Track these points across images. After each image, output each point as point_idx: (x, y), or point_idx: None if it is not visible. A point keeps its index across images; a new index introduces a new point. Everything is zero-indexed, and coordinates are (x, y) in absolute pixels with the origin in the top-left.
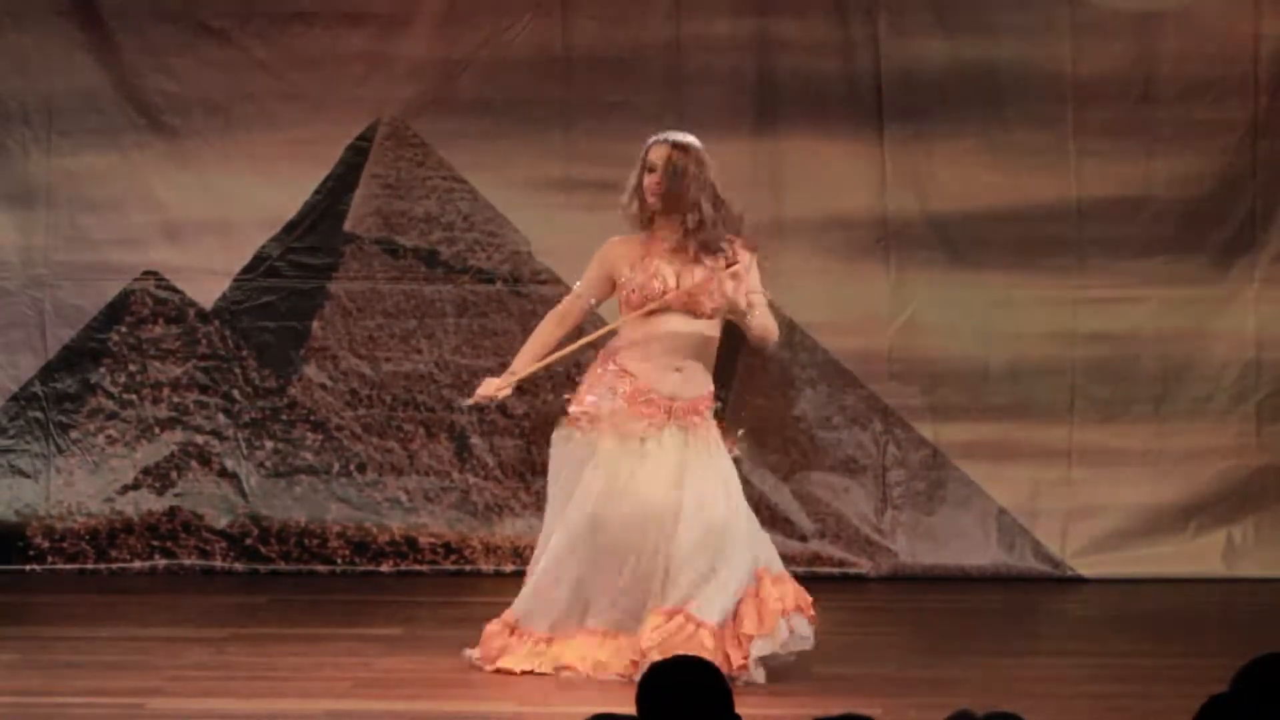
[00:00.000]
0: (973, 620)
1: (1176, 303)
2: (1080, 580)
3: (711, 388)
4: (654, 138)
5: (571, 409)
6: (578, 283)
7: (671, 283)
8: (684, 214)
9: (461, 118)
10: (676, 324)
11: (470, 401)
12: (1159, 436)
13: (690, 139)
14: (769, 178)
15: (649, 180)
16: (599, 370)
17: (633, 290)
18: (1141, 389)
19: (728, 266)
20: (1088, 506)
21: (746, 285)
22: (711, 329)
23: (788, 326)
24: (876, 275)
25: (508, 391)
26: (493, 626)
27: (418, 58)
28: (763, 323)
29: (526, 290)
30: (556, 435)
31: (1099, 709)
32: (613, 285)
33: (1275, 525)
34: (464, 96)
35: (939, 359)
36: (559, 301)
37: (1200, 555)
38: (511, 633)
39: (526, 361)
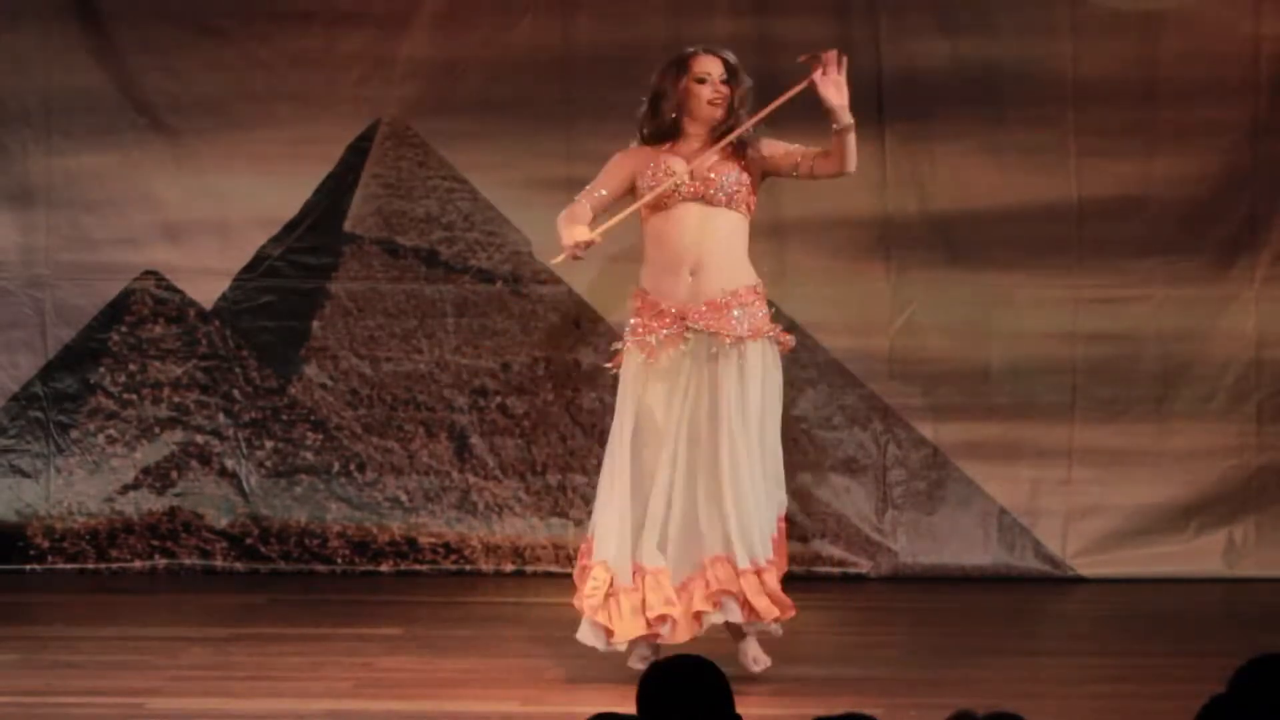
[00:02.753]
0: (973, 620)
1: (1177, 302)
2: (1081, 580)
3: (746, 280)
4: (690, 49)
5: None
6: (582, 193)
7: (683, 173)
8: (727, 119)
9: (462, 118)
10: (691, 220)
11: (560, 259)
12: (1160, 436)
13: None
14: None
15: (702, 90)
16: (633, 297)
17: (646, 189)
18: (1142, 389)
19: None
20: (1088, 506)
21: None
22: (734, 221)
23: (787, 326)
24: (877, 275)
25: (596, 239)
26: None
27: (418, 58)
28: (853, 144)
29: (527, 290)
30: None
31: (1099, 709)
32: (631, 186)
33: (1276, 525)
34: (464, 96)
35: (939, 359)
36: (559, 301)
37: (1201, 555)
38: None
39: (587, 225)
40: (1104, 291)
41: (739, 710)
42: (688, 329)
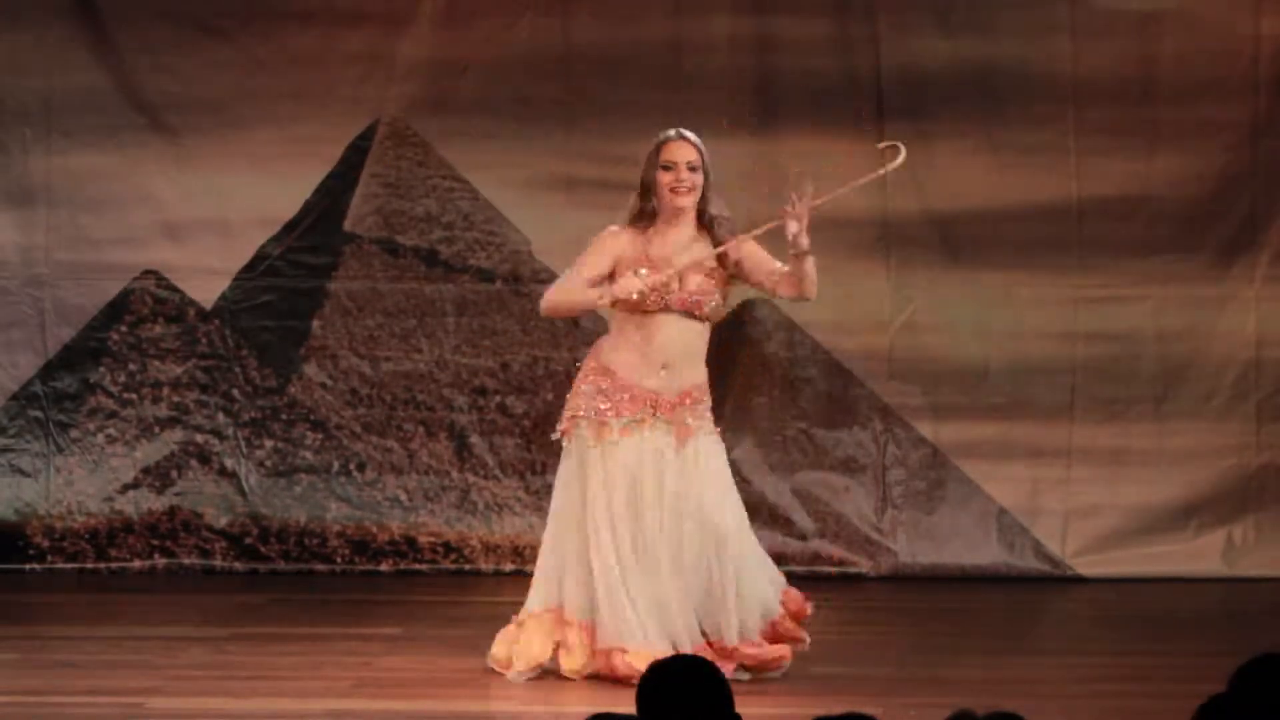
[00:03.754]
0: (973, 620)
1: (1177, 302)
2: (1080, 580)
3: (702, 377)
4: (663, 135)
5: (560, 423)
6: (574, 271)
7: (675, 285)
8: (702, 209)
9: (462, 117)
10: (671, 326)
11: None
12: (1159, 436)
13: (690, 132)
14: (769, 177)
15: (668, 178)
16: (583, 373)
17: (632, 294)
18: (1142, 388)
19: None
20: (1088, 506)
21: (804, 230)
22: (704, 332)
23: (787, 326)
24: (877, 275)
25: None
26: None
27: (418, 57)
28: (812, 272)
29: (526, 289)
30: (564, 451)
31: (1099, 708)
32: (613, 272)
33: (1276, 524)
34: (464, 96)
35: (939, 358)
36: None
37: (1200, 554)
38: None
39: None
40: (1104, 291)
41: (738, 710)
42: (655, 415)
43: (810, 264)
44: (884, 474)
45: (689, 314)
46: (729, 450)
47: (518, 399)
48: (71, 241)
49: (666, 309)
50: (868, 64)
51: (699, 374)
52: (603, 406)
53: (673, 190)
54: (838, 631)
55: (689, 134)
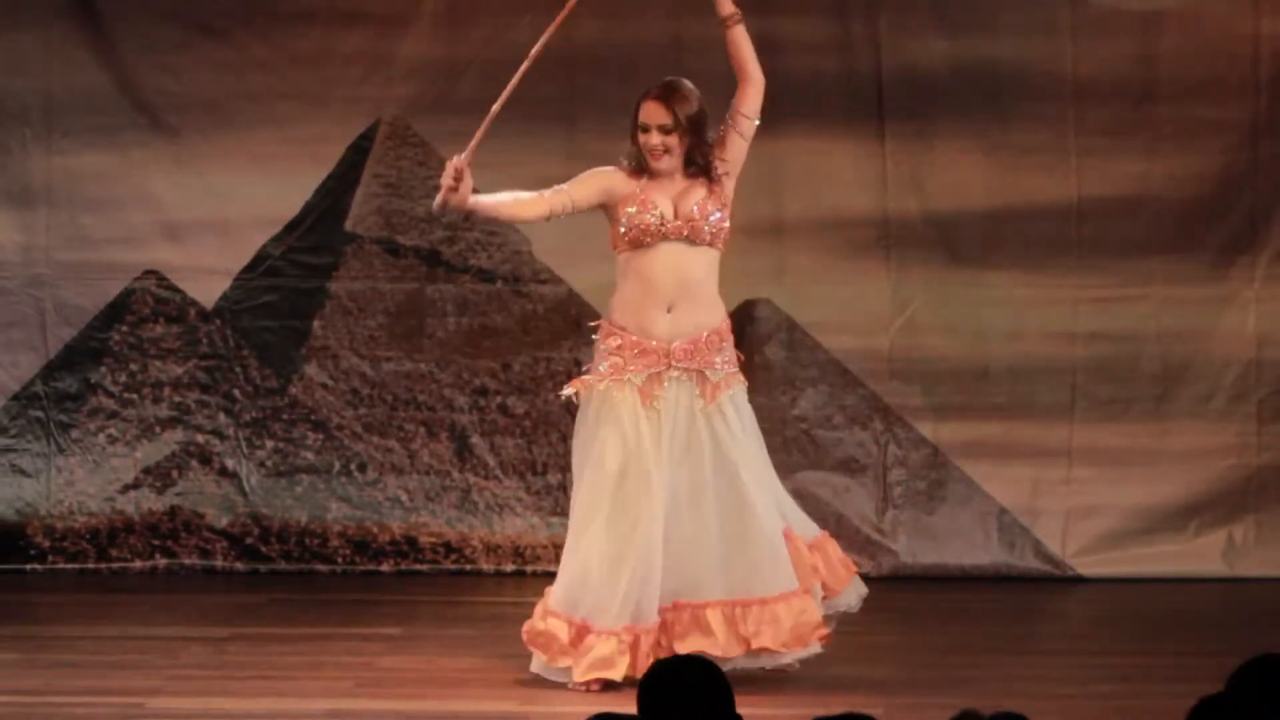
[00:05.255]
0: (973, 620)
1: (1177, 302)
2: (1081, 580)
3: (719, 318)
4: (646, 90)
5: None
6: (555, 192)
7: (669, 213)
8: (689, 157)
9: (462, 117)
10: (669, 257)
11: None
12: (1159, 436)
13: (678, 82)
14: (769, 177)
15: (643, 140)
16: (600, 334)
17: (629, 227)
18: (1142, 388)
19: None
20: (1088, 506)
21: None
22: (711, 264)
23: (788, 326)
24: (877, 275)
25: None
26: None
27: (419, 57)
28: (748, 45)
29: (527, 290)
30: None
31: (1099, 709)
32: (601, 206)
33: (1276, 525)
34: (465, 96)
35: (939, 358)
36: (559, 300)
37: (1201, 555)
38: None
39: (494, 199)
40: (1104, 291)
41: (739, 710)
42: (672, 367)
43: (742, 32)
44: (884, 474)
45: (689, 240)
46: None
47: (519, 399)
48: (72, 241)
49: (664, 238)
50: (868, 64)
51: (712, 314)
52: (618, 362)
53: (650, 153)
54: (838, 631)
55: (674, 87)
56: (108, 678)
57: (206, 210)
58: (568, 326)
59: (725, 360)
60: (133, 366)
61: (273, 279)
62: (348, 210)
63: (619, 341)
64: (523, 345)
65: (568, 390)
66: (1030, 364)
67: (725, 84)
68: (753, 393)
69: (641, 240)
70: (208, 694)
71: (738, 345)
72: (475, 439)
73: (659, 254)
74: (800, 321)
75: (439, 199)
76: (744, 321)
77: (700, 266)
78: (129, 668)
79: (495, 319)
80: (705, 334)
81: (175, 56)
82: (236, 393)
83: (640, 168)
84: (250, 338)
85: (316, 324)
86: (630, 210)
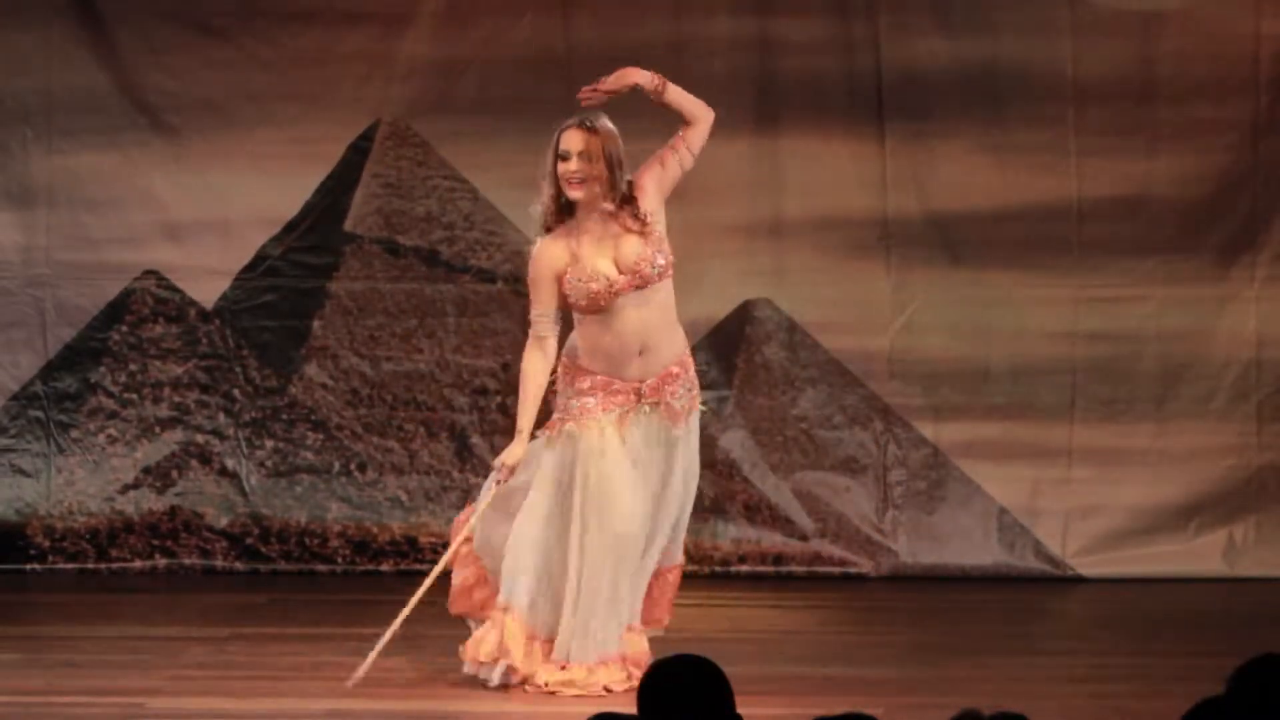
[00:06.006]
0: (973, 620)
1: (1177, 302)
2: (1081, 580)
3: (681, 345)
4: (563, 123)
5: (542, 430)
6: (533, 308)
7: (613, 274)
8: (606, 195)
9: (462, 117)
10: (632, 309)
11: (500, 479)
12: (1160, 436)
13: (597, 117)
14: (769, 178)
15: (562, 167)
16: (562, 373)
17: (579, 299)
18: (1142, 388)
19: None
20: (1088, 506)
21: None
22: (665, 292)
23: (788, 326)
24: (877, 275)
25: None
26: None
27: (419, 57)
28: (683, 96)
29: (527, 290)
30: (533, 446)
31: (1099, 709)
32: (560, 286)
33: (1276, 524)
34: (465, 96)
35: (939, 358)
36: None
37: (1201, 555)
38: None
39: (531, 414)
40: (1104, 291)
41: (739, 710)
42: (641, 402)
43: (674, 90)
44: (885, 474)
45: (639, 288)
46: (730, 449)
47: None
48: (72, 241)
49: (617, 294)
50: (868, 65)
51: (677, 343)
52: (590, 403)
53: (566, 181)
54: (838, 631)
55: (594, 119)
56: (108, 678)
57: (206, 210)
58: (567, 327)
59: (688, 388)
60: (132, 366)
61: (272, 279)
62: (347, 210)
63: (589, 383)
64: (523, 345)
65: (540, 437)
66: (1030, 364)
67: (726, 85)
68: (752, 393)
69: (595, 305)
70: (208, 694)
71: (737, 346)
72: (475, 439)
73: (619, 310)
74: (800, 321)
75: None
76: (744, 321)
77: (658, 304)
78: (129, 668)
79: (495, 319)
80: (672, 368)
81: (175, 56)
82: (236, 393)
83: (558, 215)
84: (250, 338)
85: (316, 324)
86: (575, 281)
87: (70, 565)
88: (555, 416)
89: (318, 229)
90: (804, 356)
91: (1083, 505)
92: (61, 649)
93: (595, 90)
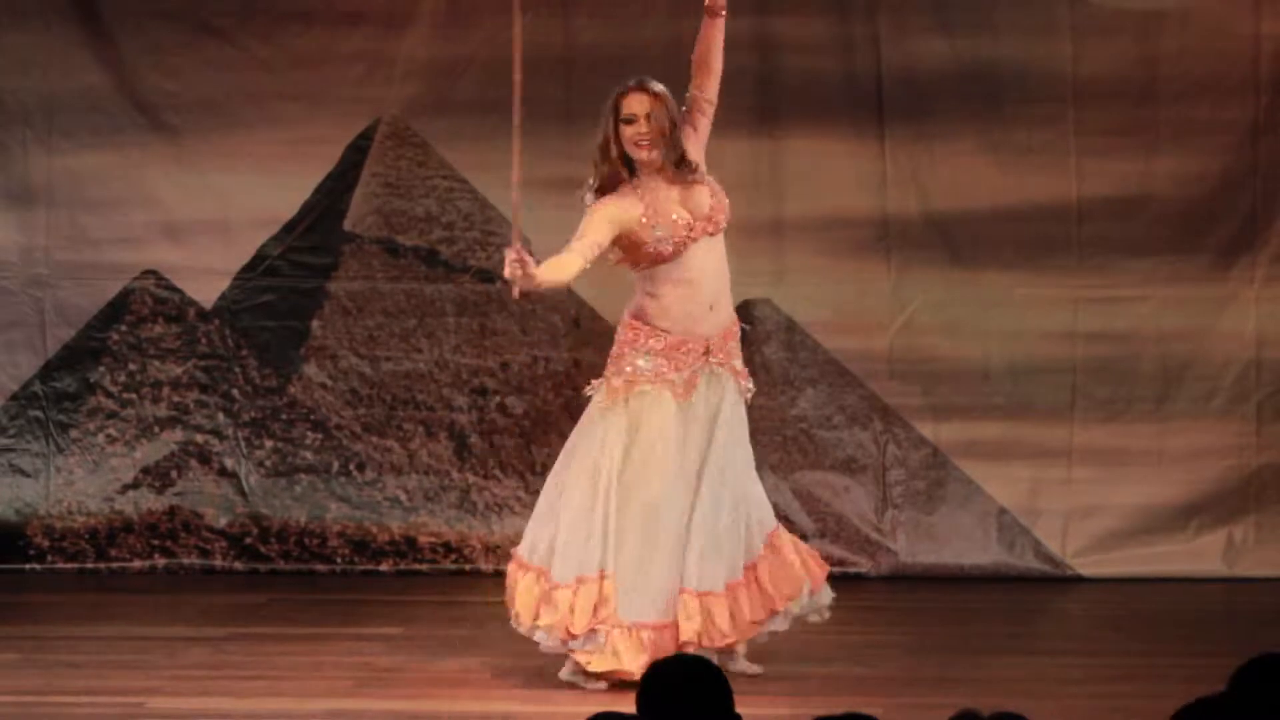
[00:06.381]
0: (973, 620)
1: (1177, 302)
2: (1081, 580)
3: (731, 303)
4: (620, 87)
5: (610, 379)
6: (575, 239)
7: (688, 216)
8: (670, 154)
9: (462, 117)
10: (702, 258)
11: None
12: (1159, 436)
13: (650, 80)
14: (769, 177)
15: (630, 131)
16: (629, 335)
17: (660, 244)
18: (1142, 388)
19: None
20: (1088, 506)
21: None
22: (723, 244)
23: (788, 326)
24: (877, 275)
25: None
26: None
27: (418, 57)
28: (720, 39)
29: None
30: (595, 404)
31: (1099, 709)
32: (617, 233)
33: (1276, 525)
34: (464, 96)
35: (939, 358)
36: (558, 301)
37: (1201, 555)
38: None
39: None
40: (1104, 291)
41: (739, 710)
42: (709, 362)
43: (721, 24)
44: (884, 474)
45: (711, 235)
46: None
47: (518, 399)
48: (72, 242)
49: (695, 238)
50: (868, 64)
51: (731, 303)
52: (663, 365)
53: (635, 144)
54: (838, 631)
55: (649, 80)
56: (107, 677)
57: (206, 210)
58: (567, 326)
59: (738, 347)
60: (132, 366)
61: (272, 279)
62: (347, 210)
63: (661, 343)
64: (521, 345)
65: (596, 393)
66: (1030, 364)
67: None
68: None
69: (678, 250)
70: (207, 694)
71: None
72: (474, 439)
73: (693, 257)
74: (800, 321)
75: (515, 290)
76: (744, 321)
77: (721, 254)
78: (128, 667)
79: (494, 319)
80: (732, 326)
81: (175, 57)
82: (235, 393)
83: (616, 176)
84: (249, 338)
85: (315, 324)
86: (653, 229)
87: (70, 565)
88: (620, 380)
89: (317, 229)
90: (803, 356)
91: (1082, 505)
92: (61, 649)
93: None
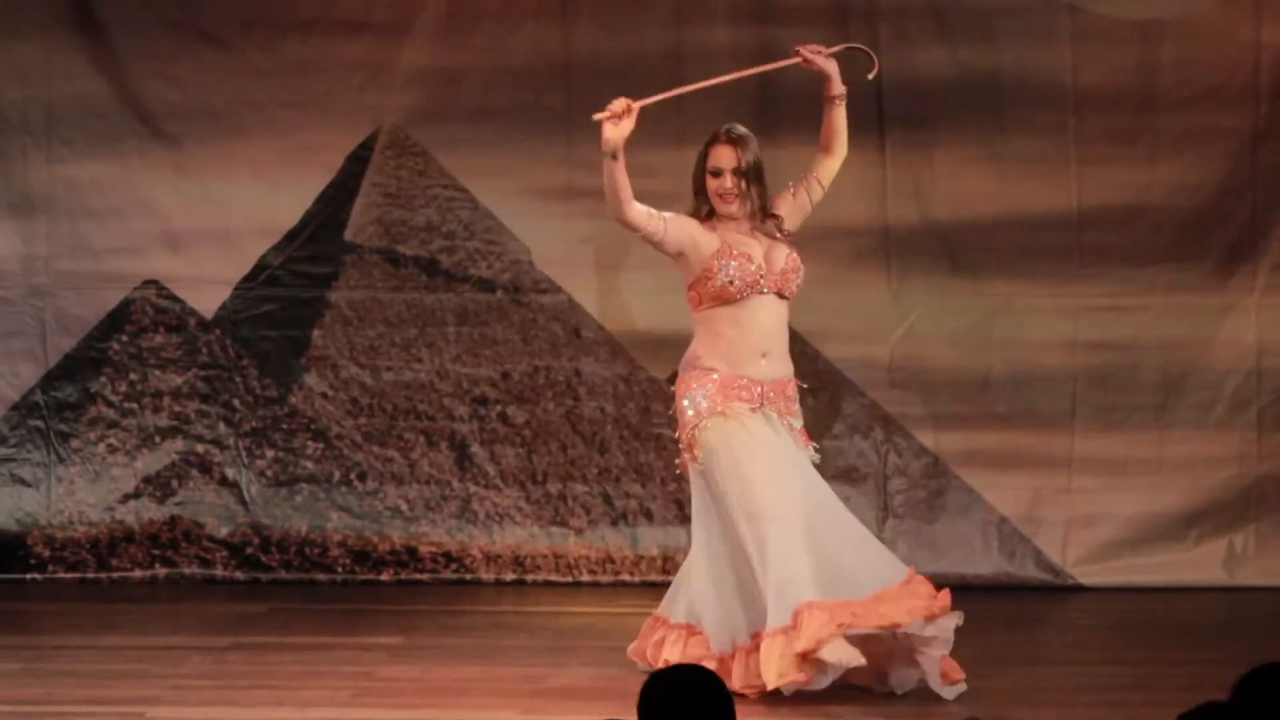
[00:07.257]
0: (973, 629)
1: (1177, 311)
2: (1081, 589)
3: (791, 367)
4: (711, 135)
5: (682, 451)
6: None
7: (763, 265)
8: (755, 208)
9: (462, 126)
10: (766, 310)
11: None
12: (1160, 445)
13: (740, 130)
14: (770, 185)
15: (714, 184)
16: (682, 386)
17: (728, 278)
18: (1142, 397)
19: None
20: (1089, 515)
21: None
22: (787, 309)
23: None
24: (877, 283)
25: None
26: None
27: (418, 66)
28: (844, 122)
29: (527, 299)
30: (692, 471)
31: (1100, 717)
32: (680, 254)
33: (1277, 534)
34: (465, 105)
35: (940, 367)
36: (559, 310)
37: (1201, 563)
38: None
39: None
40: (1104, 300)
41: (739, 719)
42: (765, 406)
43: (842, 110)
44: (885, 483)
45: (780, 294)
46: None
47: (519, 408)
48: (72, 251)
49: (759, 291)
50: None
51: (789, 363)
52: (719, 400)
53: (720, 196)
54: None
55: (741, 132)
56: (108, 687)
57: (206, 220)
58: (568, 336)
59: (799, 409)
60: (132, 376)
61: (272, 288)
62: (347, 220)
63: (716, 378)
64: (522, 354)
65: (683, 461)
66: (1031, 373)
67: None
68: None
69: (741, 293)
70: (208, 703)
71: None
72: (475, 448)
73: (753, 307)
74: (801, 330)
75: (606, 133)
76: None
77: (783, 318)
78: (129, 677)
79: (495, 328)
80: (789, 380)
81: (175, 65)
82: (236, 402)
83: (703, 215)
84: (250, 347)
85: (316, 333)
86: (729, 264)
87: (71, 575)
88: (686, 436)
89: (318, 238)
90: (804, 365)
91: (1083, 514)
92: (62, 658)
93: (816, 52)
